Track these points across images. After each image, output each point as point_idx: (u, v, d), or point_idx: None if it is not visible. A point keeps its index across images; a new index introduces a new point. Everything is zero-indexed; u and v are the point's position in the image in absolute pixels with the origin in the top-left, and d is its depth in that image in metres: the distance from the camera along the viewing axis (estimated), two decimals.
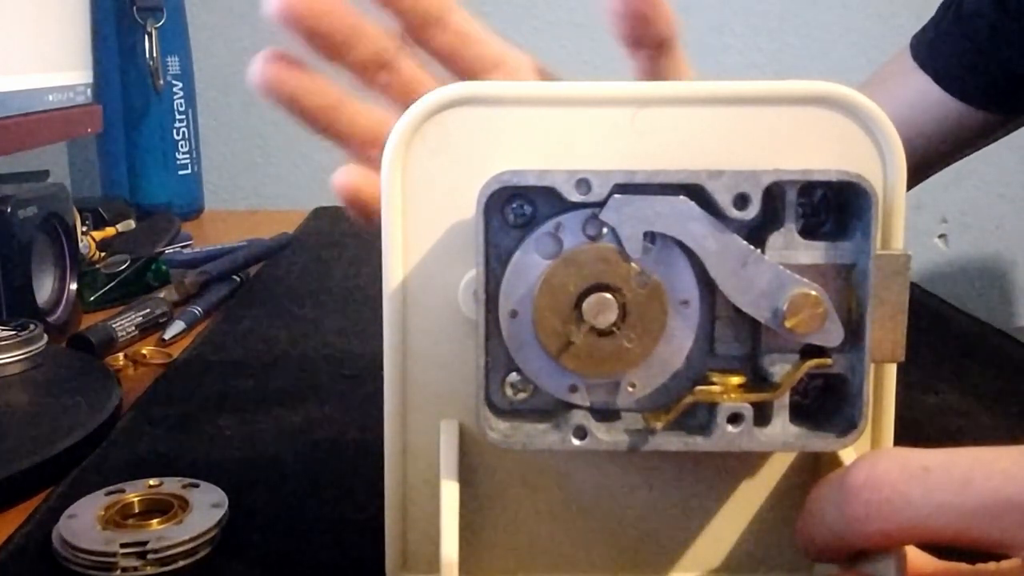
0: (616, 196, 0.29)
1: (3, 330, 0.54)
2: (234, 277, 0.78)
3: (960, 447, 0.26)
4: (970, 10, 0.73)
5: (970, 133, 0.76)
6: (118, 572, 0.35)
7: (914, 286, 0.30)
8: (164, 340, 0.64)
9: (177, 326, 0.65)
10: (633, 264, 0.29)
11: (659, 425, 0.30)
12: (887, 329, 0.30)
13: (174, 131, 1.07)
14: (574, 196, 0.29)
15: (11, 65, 0.64)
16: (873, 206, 0.28)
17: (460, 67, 0.41)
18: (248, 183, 1.28)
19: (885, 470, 0.26)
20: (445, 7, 0.41)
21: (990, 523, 0.24)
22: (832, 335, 0.29)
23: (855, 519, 0.26)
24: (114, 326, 0.62)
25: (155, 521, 0.38)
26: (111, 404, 0.50)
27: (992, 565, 0.27)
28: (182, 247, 0.89)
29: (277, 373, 0.57)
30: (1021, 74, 0.72)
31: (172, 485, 0.40)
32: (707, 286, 0.30)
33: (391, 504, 0.33)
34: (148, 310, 0.66)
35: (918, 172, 0.77)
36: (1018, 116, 0.77)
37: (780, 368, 0.30)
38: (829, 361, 0.30)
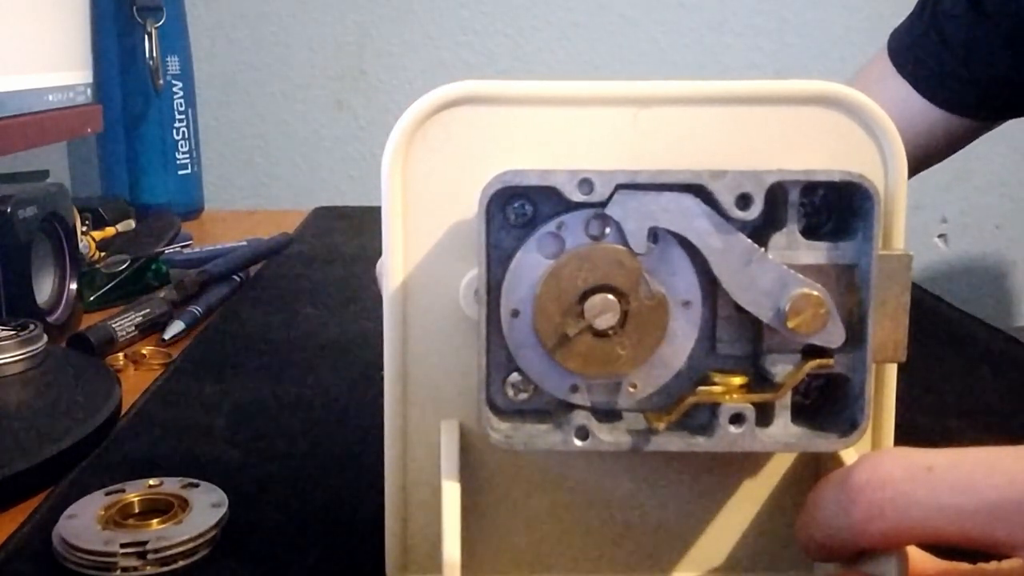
0: (621, 191, 0.29)
1: (3, 330, 0.54)
2: (234, 277, 0.78)
3: (961, 447, 0.26)
4: (946, 11, 0.73)
5: (953, 138, 0.76)
6: (118, 572, 0.35)
7: (914, 286, 0.30)
8: (164, 340, 0.64)
9: (177, 326, 0.65)
10: (638, 259, 0.29)
11: (661, 425, 0.29)
12: (888, 329, 0.29)
13: (174, 131, 1.07)
14: (576, 196, 0.29)
15: (11, 65, 0.64)
16: (875, 206, 0.28)
17: None
18: (248, 183, 1.28)
19: (888, 470, 0.26)
20: None
21: (992, 524, 0.24)
22: (834, 336, 0.29)
23: (858, 519, 0.26)
24: (114, 326, 0.62)
25: (155, 521, 0.38)
26: (111, 404, 0.50)
27: (993, 564, 0.27)
28: (182, 247, 0.89)
29: (277, 373, 0.57)
30: (999, 78, 0.72)
31: (172, 485, 0.40)
32: (709, 286, 0.30)
33: (391, 504, 0.33)
34: (148, 310, 0.66)
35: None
36: (1000, 120, 0.77)
37: (782, 368, 0.30)
38: (831, 361, 0.30)
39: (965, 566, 0.28)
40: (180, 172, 1.09)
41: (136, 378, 0.58)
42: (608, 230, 0.29)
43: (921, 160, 0.77)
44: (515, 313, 0.30)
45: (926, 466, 0.25)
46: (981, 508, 0.24)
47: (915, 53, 0.75)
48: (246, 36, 1.25)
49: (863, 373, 0.29)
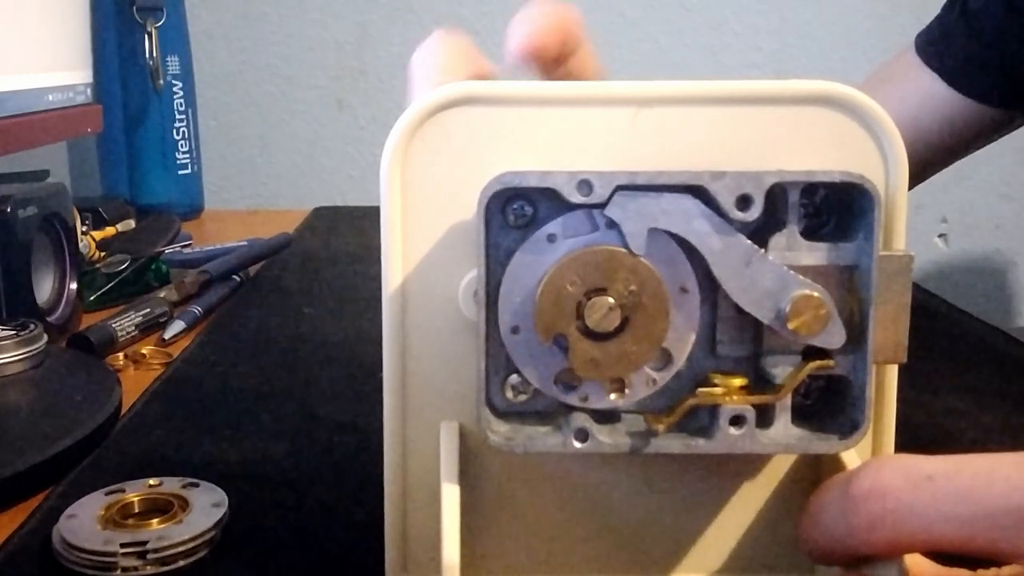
0: (621, 193, 0.28)
1: (3, 330, 0.54)
2: (234, 277, 0.78)
3: (963, 453, 0.26)
4: (976, 8, 0.73)
5: (977, 130, 0.76)
6: (118, 572, 0.35)
7: (914, 286, 0.30)
8: (164, 340, 0.64)
9: (177, 326, 0.65)
10: (638, 260, 0.29)
11: (661, 427, 0.29)
12: (889, 330, 0.29)
13: (174, 131, 1.07)
14: (575, 197, 0.29)
15: (11, 65, 0.64)
16: (876, 207, 0.28)
17: None
18: (248, 183, 1.28)
19: (889, 479, 0.26)
20: (578, 43, 0.39)
21: (994, 531, 0.24)
22: (834, 337, 0.29)
23: (859, 528, 0.26)
24: (114, 326, 0.62)
25: (155, 521, 0.38)
26: (111, 404, 0.50)
27: (992, 571, 0.27)
28: (182, 247, 0.89)
29: (277, 373, 0.57)
30: None
31: (172, 485, 0.40)
32: (709, 288, 0.30)
33: (391, 505, 0.33)
34: (148, 310, 0.66)
35: (924, 170, 0.77)
36: None
37: (782, 370, 0.30)
38: (831, 363, 0.30)
39: (965, 572, 0.28)
40: (180, 172, 1.09)
41: (136, 378, 0.58)
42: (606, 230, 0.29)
43: (943, 154, 0.77)
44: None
45: (927, 475, 0.25)
46: (982, 516, 0.24)
47: (943, 45, 0.75)
48: (246, 36, 1.25)
49: (864, 374, 0.29)
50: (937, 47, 0.75)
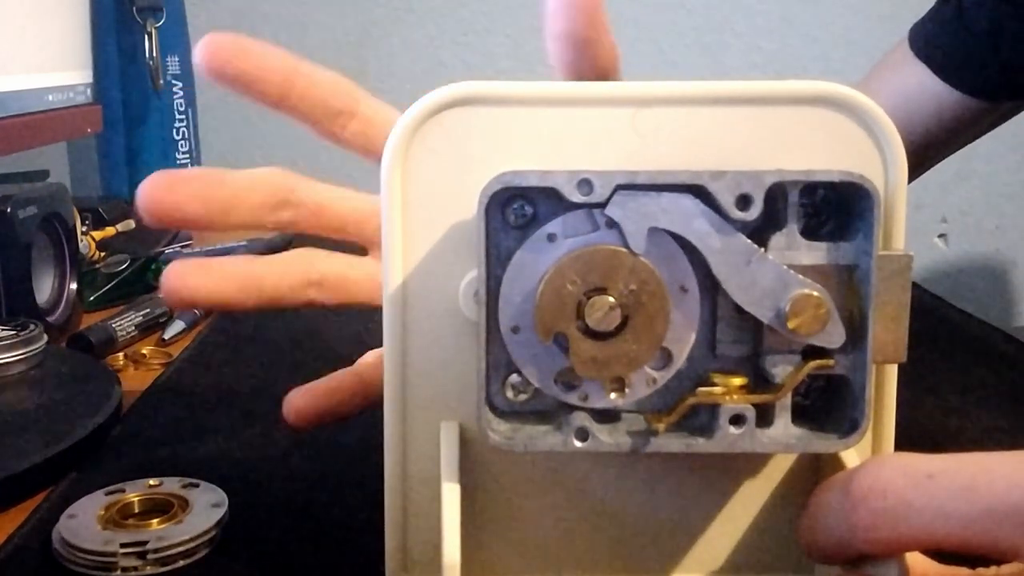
0: (621, 192, 0.28)
1: (3, 330, 0.54)
2: None
3: (963, 451, 0.26)
4: (971, 1, 0.73)
5: (966, 122, 0.76)
6: (118, 572, 0.35)
7: (914, 286, 0.30)
8: (164, 340, 0.64)
9: (177, 326, 0.65)
10: (638, 260, 0.29)
11: (661, 426, 0.29)
12: (889, 330, 0.29)
13: (174, 131, 1.07)
14: (576, 197, 0.29)
15: (11, 65, 0.64)
16: (875, 207, 0.28)
17: (372, 154, 0.41)
18: None
19: (889, 478, 0.26)
20: (351, 102, 0.41)
21: (993, 530, 0.24)
22: (834, 336, 0.29)
23: (860, 527, 0.26)
24: (114, 326, 0.62)
25: (155, 521, 0.38)
26: (111, 404, 0.50)
27: (992, 569, 0.27)
28: (182, 247, 0.89)
29: (277, 373, 0.57)
30: (1018, 64, 0.72)
31: (172, 485, 0.40)
32: (709, 288, 0.30)
33: (391, 505, 0.33)
34: (148, 310, 0.66)
35: (914, 164, 0.77)
36: (1014, 104, 0.76)
37: (782, 369, 0.30)
38: (831, 362, 0.30)
39: (965, 571, 0.28)
40: None
41: (136, 378, 0.58)
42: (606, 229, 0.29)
43: (933, 147, 0.77)
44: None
45: (927, 473, 0.25)
46: (982, 514, 0.24)
47: (934, 38, 0.75)
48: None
49: (863, 374, 0.29)
50: (928, 39, 0.75)
